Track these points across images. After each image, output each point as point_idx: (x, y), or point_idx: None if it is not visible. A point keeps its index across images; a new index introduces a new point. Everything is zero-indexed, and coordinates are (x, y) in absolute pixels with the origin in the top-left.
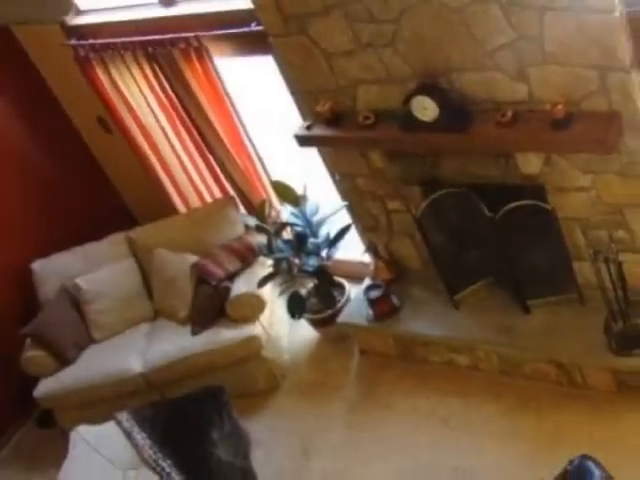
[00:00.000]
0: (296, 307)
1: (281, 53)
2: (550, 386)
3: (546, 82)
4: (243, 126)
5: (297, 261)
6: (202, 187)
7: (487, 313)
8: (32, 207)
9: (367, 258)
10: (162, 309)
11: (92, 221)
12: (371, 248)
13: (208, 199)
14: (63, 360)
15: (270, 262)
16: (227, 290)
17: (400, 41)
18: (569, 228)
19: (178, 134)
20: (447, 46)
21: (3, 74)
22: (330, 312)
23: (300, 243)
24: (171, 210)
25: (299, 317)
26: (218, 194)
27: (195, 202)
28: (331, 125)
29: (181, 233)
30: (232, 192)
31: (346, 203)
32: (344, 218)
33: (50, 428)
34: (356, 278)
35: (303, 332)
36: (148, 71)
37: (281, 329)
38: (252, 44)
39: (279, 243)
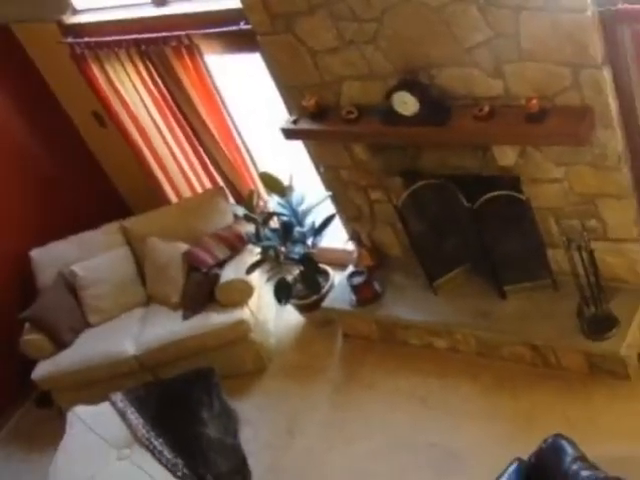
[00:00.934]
0: (283, 293)
1: (268, 51)
2: (525, 367)
3: (521, 78)
4: (232, 120)
5: (284, 249)
6: (193, 178)
7: (465, 298)
8: (31, 198)
9: (350, 246)
10: (155, 295)
11: (88, 211)
12: (354, 236)
13: (199, 190)
14: (60, 343)
15: (258, 250)
16: (217, 277)
17: (382, 39)
18: (543, 217)
19: (170, 128)
20: (427, 44)
21: (3, 71)
22: (315, 297)
23: (286, 232)
24: (163, 200)
25: (285, 302)
26: (208, 185)
27: (186, 193)
28: (316, 119)
29: (173, 222)
30: (222, 183)
31: (330, 193)
32: (328, 208)
33: (48, 408)
34: (340, 265)
35: (289, 317)
36: (141, 68)
37: (268, 313)
38: (241, 42)
39: (266, 232)
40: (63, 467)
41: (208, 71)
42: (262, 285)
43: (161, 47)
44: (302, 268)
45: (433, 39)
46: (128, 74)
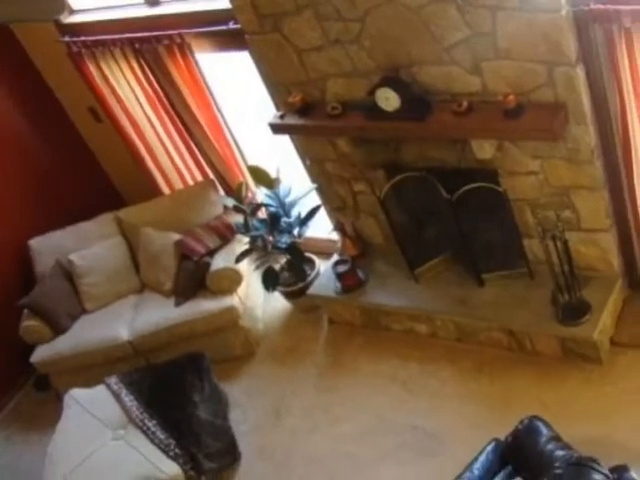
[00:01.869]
0: (270, 280)
1: (256, 49)
2: (502, 352)
3: (498, 75)
4: (222, 115)
5: (271, 239)
6: (184, 171)
7: (445, 286)
8: (30, 189)
9: (335, 236)
10: (148, 282)
11: (84, 202)
12: (339, 227)
13: (190, 182)
14: (58, 329)
15: (246, 239)
16: (207, 265)
17: (365, 38)
18: (519, 208)
19: (163, 123)
20: (408, 42)
21: (4, 68)
22: (301, 285)
23: (274, 222)
24: (156, 192)
25: (273, 290)
26: (199, 177)
27: (178, 185)
28: (302, 115)
29: (165, 213)
30: (212, 175)
31: (316, 185)
32: (314, 199)
33: (46, 391)
34: (325, 254)
35: (276, 303)
36: (135, 65)
37: (256, 300)
38: (230, 41)
39: (255, 222)
40: (61, 447)
41: (199, 69)
42: (250, 273)
43: (154, 45)
44: (289, 257)
45: (414, 38)
46: (123, 71)
